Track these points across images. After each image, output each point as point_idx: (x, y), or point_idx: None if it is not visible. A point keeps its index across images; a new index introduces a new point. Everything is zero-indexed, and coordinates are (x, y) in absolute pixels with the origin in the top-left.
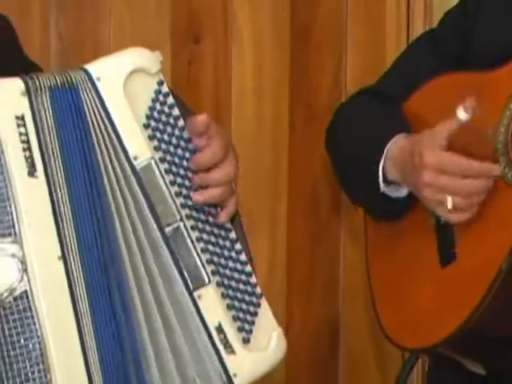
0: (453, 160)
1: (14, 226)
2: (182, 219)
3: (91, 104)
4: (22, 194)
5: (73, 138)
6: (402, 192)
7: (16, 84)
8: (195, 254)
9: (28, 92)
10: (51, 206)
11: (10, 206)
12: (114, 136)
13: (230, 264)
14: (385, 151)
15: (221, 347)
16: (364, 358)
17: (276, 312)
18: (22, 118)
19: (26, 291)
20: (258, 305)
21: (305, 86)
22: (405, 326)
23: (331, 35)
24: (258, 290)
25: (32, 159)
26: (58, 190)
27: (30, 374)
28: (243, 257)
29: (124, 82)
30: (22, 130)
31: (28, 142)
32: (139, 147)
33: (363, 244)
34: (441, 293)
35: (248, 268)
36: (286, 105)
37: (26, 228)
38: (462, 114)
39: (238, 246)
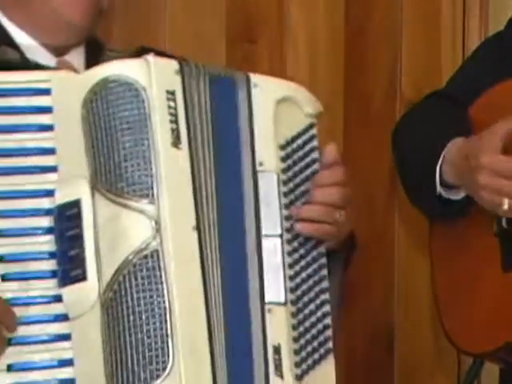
0: (508, 162)
1: (152, 188)
2: (282, 235)
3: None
4: (163, 161)
5: (222, 123)
6: (459, 194)
7: (171, 63)
8: (282, 271)
9: (182, 72)
10: (191, 177)
11: (151, 169)
12: (249, 139)
13: (312, 306)
14: (443, 153)
15: (271, 366)
16: (419, 364)
17: None
18: (173, 93)
19: (157, 250)
20: (324, 356)
21: (360, 85)
22: (469, 331)
23: (386, 35)
24: (330, 345)
25: (178, 132)
26: (201, 165)
27: (151, 331)
28: (327, 308)
29: (278, 101)
30: (172, 103)
31: (176, 115)
32: (267, 156)
33: (418, 248)
34: (504, 297)
35: (327, 320)
36: (340, 105)
37: (164, 192)
38: None
39: (324, 284)
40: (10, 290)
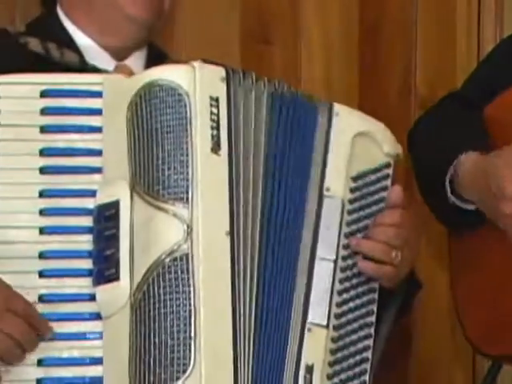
0: None
1: (187, 192)
2: (337, 261)
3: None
4: (201, 166)
5: (288, 142)
6: (474, 205)
7: (218, 70)
8: (329, 294)
9: (227, 80)
10: (228, 184)
11: (188, 173)
12: (321, 162)
13: (354, 337)
14: (454, 164)
15: (301, 383)
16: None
17: None
18: (217, 100)
19: (187, 254)
20: None
21: (374, 84)
22: (489, 334)
23: (400, 34)
24: (366, 378)
25: (218, 138)
26: (241, 174)
27: (175, 333)
28: (369, 342)
29: (357, 134)
30: (214, 110)
31: (217, 122)
32: (336, 184)
33: (437, 250)
34: None
35: (367, 354)
36: (355, 104)
37: (198, 197)
38: None
39: (370, 319)
40: (45, 286)
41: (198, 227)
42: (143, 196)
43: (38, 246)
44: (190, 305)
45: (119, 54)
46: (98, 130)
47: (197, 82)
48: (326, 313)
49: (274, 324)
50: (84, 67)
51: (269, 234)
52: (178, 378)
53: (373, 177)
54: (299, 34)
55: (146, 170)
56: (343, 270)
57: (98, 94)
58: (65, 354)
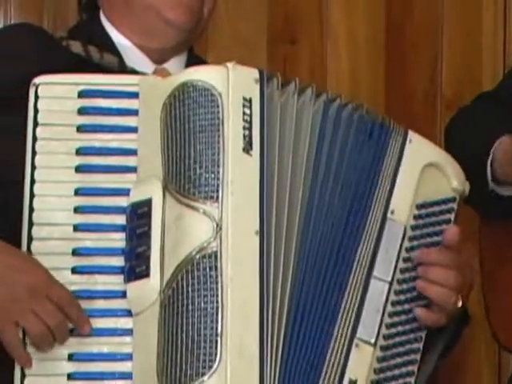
0: None
1: (218, 190)
2: (392, 283)
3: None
4: (232, 165)
5: (351, 155)
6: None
7: (251, 71)
8: (381, 314)
9: (261, 82)
10: (259, 184)
11: (218, 172)
12: (389, 185)
13: (399, 360)
14: (492, 149)
15: None
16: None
17: None
18: (250, 101)
19: (215, 252)
20: None
21: (400, 84)
22: None
23: (427, 33)
24: None
25: (250, 138)
26: (274, 174)
27: (202, 330)
28: (413, 368)
29: (428, 164)
30: (247, 110)
31: (250, 122)
32: (401, 209)
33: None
34: None
35: (410, 379)
36: (382, 104)
37: (228, 195)
38: None
39: (417, 345)
40: (77, 282)
41: (228, 225)
42: (175, 194)
43: (71, 242)
44: (217, 302)
45: (159, 58)
46: (134, 130)
47: (230, 83)
48: (376, 332)
49: (307, 327)
50: (123, 69)
51: (307, 238)
52: (203, 374)
53: (437, 208)
54: (325, 33)
55: (178, 169)
56: (397, 293)
57: (135, 95)
58: (95, 350)
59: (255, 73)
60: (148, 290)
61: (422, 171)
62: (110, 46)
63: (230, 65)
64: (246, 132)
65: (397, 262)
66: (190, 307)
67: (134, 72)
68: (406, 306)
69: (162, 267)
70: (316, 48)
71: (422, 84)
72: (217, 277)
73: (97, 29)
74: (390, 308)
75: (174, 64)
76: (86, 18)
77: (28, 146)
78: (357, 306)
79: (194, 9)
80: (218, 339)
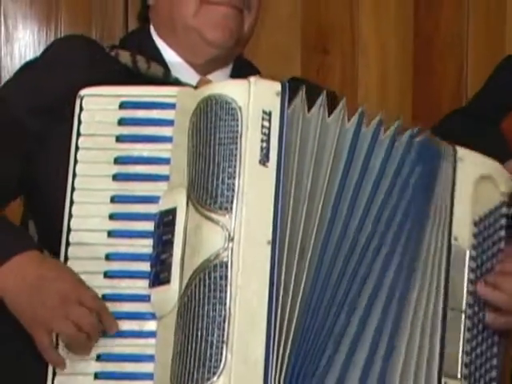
0: None
1: (232, 202)
2: (465, 310)
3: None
4: (247, 177)
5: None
6: None
7: (273, 85)
8: (461, 345)
9: (283, 95)
10: (274, 195)
11: (234, 184)
12: (448, 211)
13: (482, 383)
14: None
15: None
16: None
17: None
18: (269, 113)
19: (226, 261)
20: None
21: (427, 93)
22: None
23: (452, 45)
24: None
25: (267, 150)
26: (290, 186)
27: (209, 337)
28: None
29: (480, 178)
30: (266, 123)
31: (268, 135)
32: (463, 233)
33: None
34: None
35: None
36: (409, 112)
37: (242, 206)
38: None
39: (494, 362)
40: (108, 286)
41: (240, 235)
42: (195, 204)
43: (105, 248)
44: (224, 310)
45: (203, 70)
46: (169, 139)
47: (251, 97)
48: (460, 365)
49: (314, 341)
50: (167, 79)
51: (324, 251)
52: (208, 379)
53: (491, 219)
54: (356, 44)
55: (199, 180)
56: (470, 317)
57: (172, 106)
58: (121, 351)
59: (277, 86)
60: (169, 296)
61: (475, 187)
62: (157, 57)
63: (252, 79)
64: (264, 144)
65: (467, 288)
66: (200, 314)
67: (177, 82)
68: (480, 327)
69: (181, 274)
70: (347, 58)
71: (448, 93)
72: (226, 286)
73: (146, 40)
74: (467, 335)
75: (218, 75)
76: (138, 28)
77: (71, 155)
78: (438, 346)
79: (234, 29)
80: (224, 346)
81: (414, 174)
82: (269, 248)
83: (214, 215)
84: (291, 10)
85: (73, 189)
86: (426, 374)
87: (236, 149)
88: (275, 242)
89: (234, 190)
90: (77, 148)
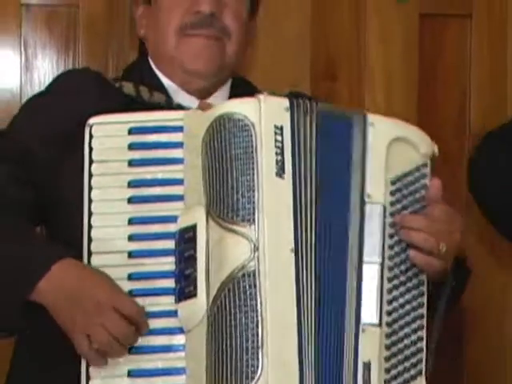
0: None
1: (254, 213)
2: (383, 262)
3: (356, 138)
4: (266, 189)
5: (332, 156)
6: None
7: (282, 101)
8: (379, 294)
9: (291, 109)
10: (293, 205)
11: (254, 197)
12: (359, 172)
13: (407, 330)
14: None
15: (360, 381)
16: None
17: None
18: (281, 128)
19: (253, 270)
20: (414, 377)
21: (432, 118)
22: None
23: (456, 72)
24: (421, 367)
25: (282, 163)
26: (303, 194)
27: (244, 344)
28: (422, 333)
29: (392, 140)
30: (279, 137)
31: (282, 148)
32: (376, 191)
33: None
34: None
35: (421, 344)
36: None
37: (264, 218)
38: None
39: (420, 311)
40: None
41: (265, 245)
42: (216, 219)
43: (127, 268)
44: (257, 316)
45: (200, 95)
46: (180, 161)
47: (262, 113)
48: (378, 312)
49: (332, 331)
50: (170, 106)
51: (323, 247)
52: None
53: (411, 178)
54: (363, 72)
55: (218, 196)
56: (391, 268)
57: (180, 129)
58: (152, 366)
59: (285, 102)
60: (196, 309)
61: (389, 148)
62: (158, 85)
63: (261, 96)
64: (279, 157)
65: (383, 241)
66: (233, 323)
67: (180, 107)
68: (403, 278)
69: (207, 287)
70: (354, 85)
71: (451, 118)
72: (256, 293)
73: (147, 70)
74: (387, 285)
75: (217, 97)
76: (137, 58)
77: (85, 181)
78: (355, 294)
79: (214, 58)
80: (260, 351)
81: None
82: (292, 255)
83: (237, 227)
84: (300, 38)
85: (90, 214)
86: (346, 322)
87: (253, 163)
88: (298, 249)
89: (254, 203)
90: (90, 175)
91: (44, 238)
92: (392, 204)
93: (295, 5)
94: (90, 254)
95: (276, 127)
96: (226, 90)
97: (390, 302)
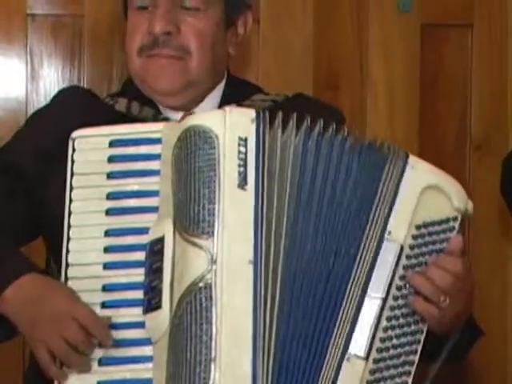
0: None
1: (213, 226)
2: (386, 298)
3: (389, 176)
4: (227, 201)
5: (336, 180)
6: None
7: (248, 112)
8: (373, 329)
9: (257, 121)
10: (254, 216)
11: (215, 209)
12: (387, 208)
13: (393, 371)
14: None
15: None
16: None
17: None
18: (245, 140)
19: (210, 283)
20: None
21: (433, 131)
22: None
23: (457, 85)
24: None
25: (245, 175)
26: (270, 207)
27: (197, 357)
28: (408, 379)
29: (428, 185)
30: (242, 149)
31: (245, 160)
32: (397, 230)
33: None
34: None
35: None
36: (416, 147)
37: (222, 229)
38: None
39: (411, 357)
40: (106, 316)
41: (222, 257)
42: (181, 232)
43: (101, 280)
44: (211, 329)
45: (184, 109)
46: (157, 173)
47: (227, 125)
48: (368, 346)
49: (298, 348)
50: (156, 120)
51: (297, 262)
52: None
53: (438, 228)
54: (365, 81)
55: (182, 208)
56: (393, 308)
57: (158, 141)
58: (121, 377)
59: (252, 113)
60: (161, 320)
61: (422, 194)
62: (149, 101)
63: (228, 108)
64: (241, 169)
65: (392, 278)
66: (188, 334)
67: (166, 120)
68: (402, 321)
69: (171, 299)
70: (356, 95)
71: (452, 131)
72: (211, 306)
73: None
74: (384, 323)
75: (204, 107)
76: None
77: (66, 194)
78: (350, 323)
79: (175, 76)
80: (212, 364)
81: (357, 175)
82: (251, 267)
83: (197, 240)
84: (304, 48)
85: (69, 226)
86: (333, 353)
87: (215, 175)
88: (257, 261)
89: (214, 215)
90: (71, 187)
91: (22, 254)
92: (411, 247)
93: (299, 17)
94: (67, 265)
95: (240, 139)
96: (215, 97)
97: (383, 341)
